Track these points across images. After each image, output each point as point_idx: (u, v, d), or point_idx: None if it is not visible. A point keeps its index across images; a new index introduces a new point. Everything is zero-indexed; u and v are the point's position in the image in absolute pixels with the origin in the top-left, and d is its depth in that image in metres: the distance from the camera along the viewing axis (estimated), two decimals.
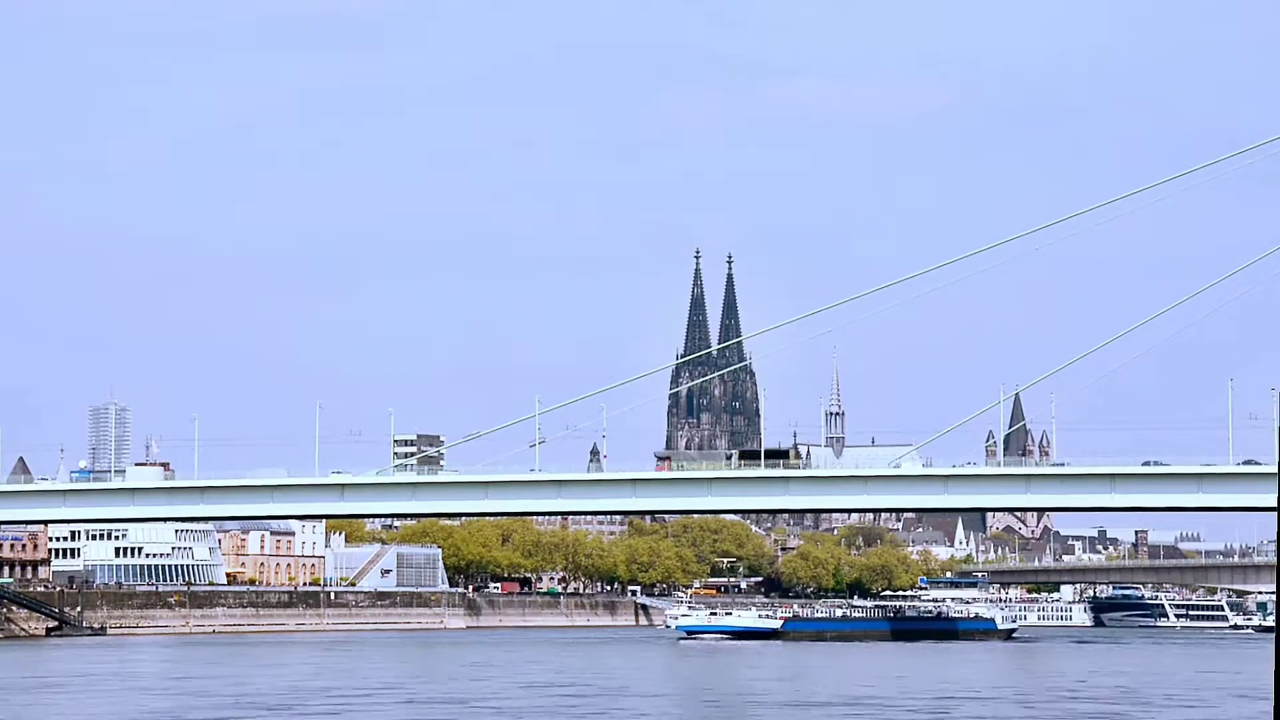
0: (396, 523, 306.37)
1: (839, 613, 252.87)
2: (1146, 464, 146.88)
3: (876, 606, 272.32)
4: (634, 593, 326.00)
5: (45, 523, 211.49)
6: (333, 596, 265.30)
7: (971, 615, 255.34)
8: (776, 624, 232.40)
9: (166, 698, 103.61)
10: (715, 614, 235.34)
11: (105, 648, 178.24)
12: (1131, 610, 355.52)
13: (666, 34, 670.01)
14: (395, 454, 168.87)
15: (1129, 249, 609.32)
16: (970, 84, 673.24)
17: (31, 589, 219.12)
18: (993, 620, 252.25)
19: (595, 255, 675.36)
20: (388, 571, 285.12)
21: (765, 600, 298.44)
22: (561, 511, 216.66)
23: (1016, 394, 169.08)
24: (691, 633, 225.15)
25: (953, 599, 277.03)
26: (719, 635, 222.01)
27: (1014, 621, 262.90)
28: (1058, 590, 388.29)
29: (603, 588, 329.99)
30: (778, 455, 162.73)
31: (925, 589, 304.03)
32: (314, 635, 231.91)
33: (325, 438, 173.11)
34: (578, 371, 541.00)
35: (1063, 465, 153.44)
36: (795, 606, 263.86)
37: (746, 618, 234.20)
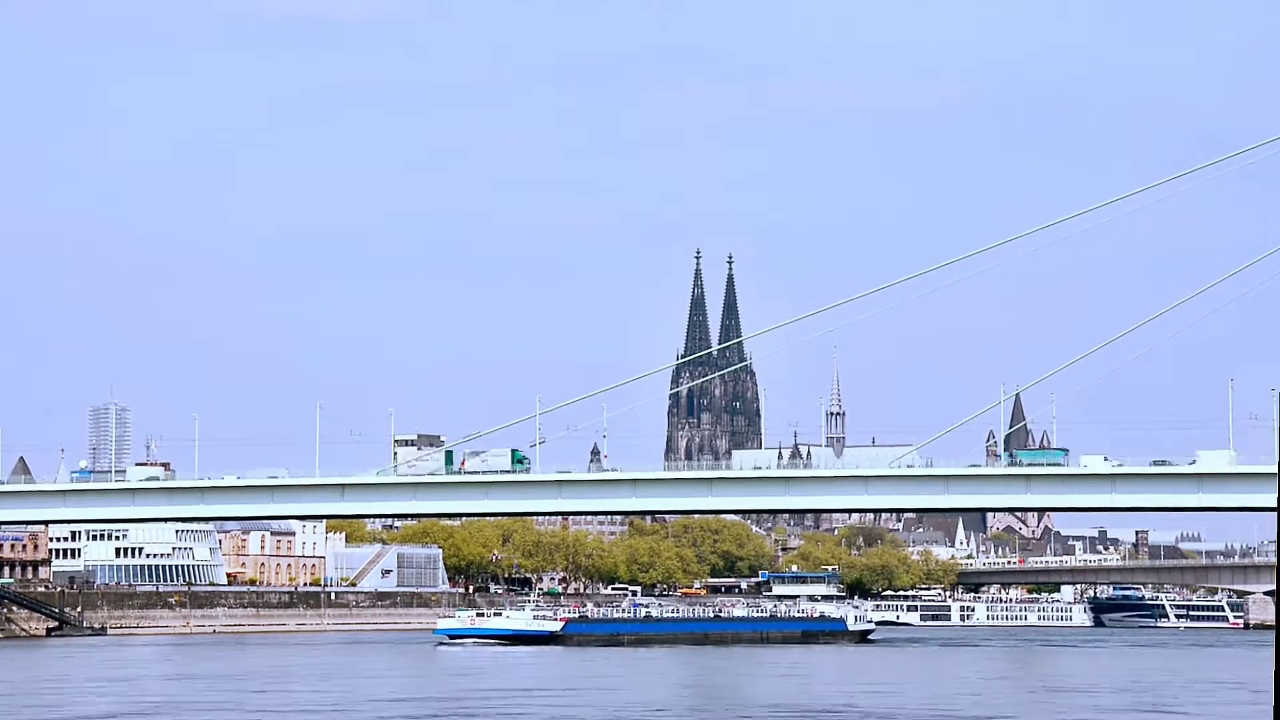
0: (396, 523, 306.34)
1: (642, 613, 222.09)
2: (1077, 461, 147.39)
3: (694, 605, 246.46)
4: (634, 593, 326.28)
5: (45, 523, 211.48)
6: (333, 597, 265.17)
7: (816, 615, 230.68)
8: (555, 626, 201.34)
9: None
10: (482, 615, 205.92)
11: (126, 647, 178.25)
12: (1132, 610, 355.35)
13: (667, 33, 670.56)
14: (395, 454, 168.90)
15: (1129, 249, 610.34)
16: (971, 84, 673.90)
17: (32, 589, 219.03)
18: (842, 620, 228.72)
19: (595, 255, 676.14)
20: (388, 572, 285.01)
21: (550, 599, 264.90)
22: (562, 511, 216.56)
23: (1017, 394, 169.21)
24: (454, 637, 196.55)
25: (804, 596, 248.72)
26: (484, 640, 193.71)
27: (870, 622, 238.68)
28: (1058, 590, 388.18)
29: (603, 588, 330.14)
30: None
31: (768, 584, 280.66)
32: (315, 635, 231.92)
33: (325, 438, 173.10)
34: (578, 371, 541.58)
35: (1063, 465, 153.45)
36: (591, 605, 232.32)
37: (518, 619, 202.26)
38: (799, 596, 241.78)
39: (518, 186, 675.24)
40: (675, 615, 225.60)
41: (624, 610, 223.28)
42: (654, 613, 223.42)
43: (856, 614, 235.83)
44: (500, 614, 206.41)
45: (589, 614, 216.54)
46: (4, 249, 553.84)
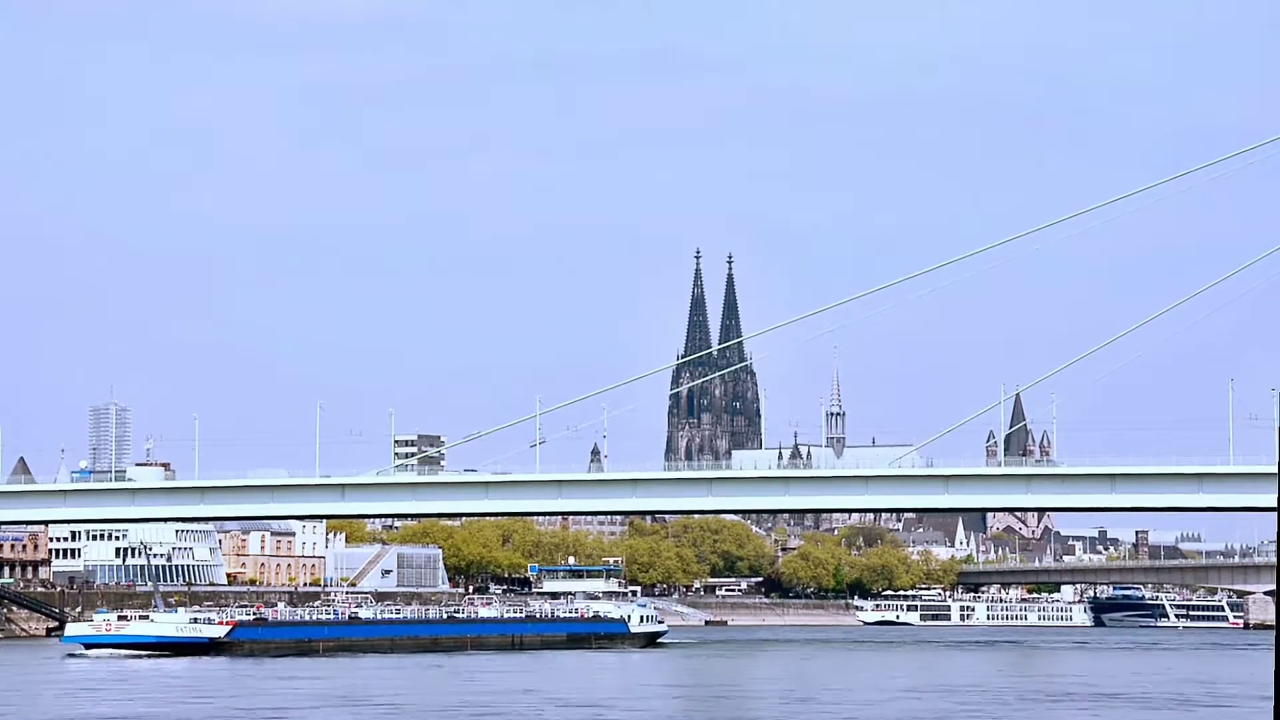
0: (397, 523, 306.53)
1: (347, 613, 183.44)
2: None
3: (427, 605, 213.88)
4: (634, 592, 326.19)
5: (45, 523, 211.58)
6: (333, 597, 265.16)
7: (590, 615, 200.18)
8: (218, 631, 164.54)
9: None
10: (124, 619, 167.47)
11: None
12: (1132, 610, 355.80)
13: (667, 32, 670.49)
14: (395, 454, 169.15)
15: (1129, 249, 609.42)
16: (971, 83, 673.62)
17: (32, 589, 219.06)
18: (623, 621, 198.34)
19: (595, 255, 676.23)
20: (388, 572, 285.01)
21: (222, 599, 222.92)
22: (562, 511, 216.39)
23: (1017, 394, 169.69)
24: (89, 645, 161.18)
25: (581, 592, 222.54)
26: (124, 649, 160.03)
27: (661, 623, 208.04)
28: (1058, 591, 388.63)
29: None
30: None
31: (538, 579, 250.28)
32: None
33: (325, 438, 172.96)
34: (578, 371, 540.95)
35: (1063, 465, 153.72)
36: (282, 605, 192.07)
37: (167, 624, 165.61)
38: (575, 593, 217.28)
39: (516, 186, 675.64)
40: (395, 617, 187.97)
41: (322, 610, 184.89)
42: (364, 613, 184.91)
43: (643, 613, 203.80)
44: (147, 617, 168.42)
45: (271, 615, 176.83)
46: (5, 248, 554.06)
